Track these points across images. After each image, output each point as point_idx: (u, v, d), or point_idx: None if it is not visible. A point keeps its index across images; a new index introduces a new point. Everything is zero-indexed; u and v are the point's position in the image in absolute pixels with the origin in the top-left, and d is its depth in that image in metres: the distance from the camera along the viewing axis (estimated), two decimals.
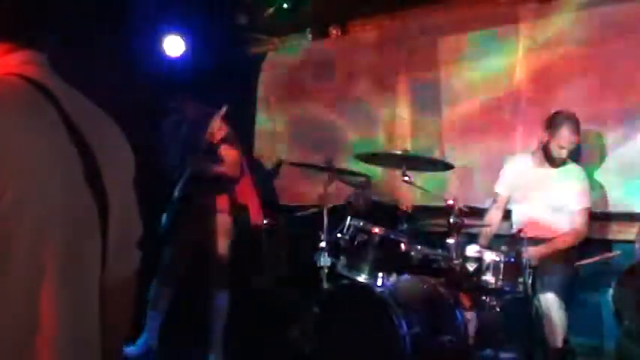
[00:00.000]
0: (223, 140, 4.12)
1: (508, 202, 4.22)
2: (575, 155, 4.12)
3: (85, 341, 1.17)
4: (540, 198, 4.02)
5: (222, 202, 4.16)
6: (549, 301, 3.72)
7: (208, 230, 4.13)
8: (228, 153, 4.13)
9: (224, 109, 4.12)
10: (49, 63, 1.25)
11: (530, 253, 3.68)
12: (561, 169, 4.04)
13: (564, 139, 3.93)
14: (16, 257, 1.06)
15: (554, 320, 3.70)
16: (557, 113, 4.03)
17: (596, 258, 3.94)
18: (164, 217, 4.22)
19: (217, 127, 4.11)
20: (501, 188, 4.23)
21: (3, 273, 1.05)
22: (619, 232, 4.20)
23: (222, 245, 4.14)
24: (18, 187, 1.06)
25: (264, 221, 5.12)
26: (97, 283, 1.21)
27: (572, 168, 4.06)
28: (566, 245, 3.91)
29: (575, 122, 3.95)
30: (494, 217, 4.19)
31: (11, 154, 1.05)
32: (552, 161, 4.01)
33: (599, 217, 4.20)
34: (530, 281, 3.47)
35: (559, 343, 3.69)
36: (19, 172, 1.07)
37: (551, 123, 3.98)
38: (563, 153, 3.95)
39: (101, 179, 1.19)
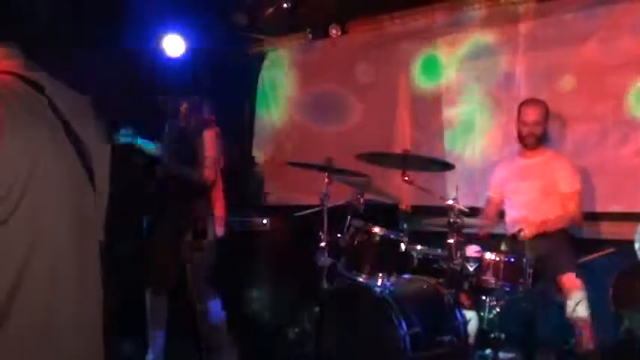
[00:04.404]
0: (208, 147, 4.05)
1: (501, 203, 4.25)
2: (544, 142, 4.19)
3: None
4: (529, 187, 4.10)
5: (200, 209, 4.04)
6: (572, 281, 3.73)
7: (185, 237, 3.99)
8: (210, 158, 4.05)
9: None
10: (24, 54, 1.24)
11: (526, 229, 3.69)
12: (545, 156, 4.14)
13: (526, 116, 4.13)
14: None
15: (577, 304, 3.68)
16: (522, 102, 4.26)
17: (593, 256, 3.95)
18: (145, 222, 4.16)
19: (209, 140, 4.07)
20: (492, 191, 4.33)
21: None
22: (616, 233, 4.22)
23: (201, 254, 4.00)
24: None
25: (265, 221, 5.12)
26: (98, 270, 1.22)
27: (555, 156, 4.17)
28: (561, 224, 3.96)
29: (537, 104, 4.16)
30: (489, 214, 4.26)
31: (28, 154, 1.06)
32: (525, 144, 4.16)
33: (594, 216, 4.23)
34: (530, 278, 3.47)
35: (591, 343, 3.66)
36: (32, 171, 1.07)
37: (518, 110, 4.21)
38: (525, 130, 4.12)
39: (92, 170, 1.19)
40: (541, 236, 3.86)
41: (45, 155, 1.10)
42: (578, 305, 3.69)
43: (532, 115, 4.11)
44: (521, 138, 4.18)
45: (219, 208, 4.19)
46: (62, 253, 1.12)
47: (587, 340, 3.68)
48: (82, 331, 1.17)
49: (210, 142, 4.10)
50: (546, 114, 4.14)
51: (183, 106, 4.16)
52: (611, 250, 3.93)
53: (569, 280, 3.76)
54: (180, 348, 4.25)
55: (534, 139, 4.11)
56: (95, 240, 1.19)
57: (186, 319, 4.13)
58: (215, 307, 4.03)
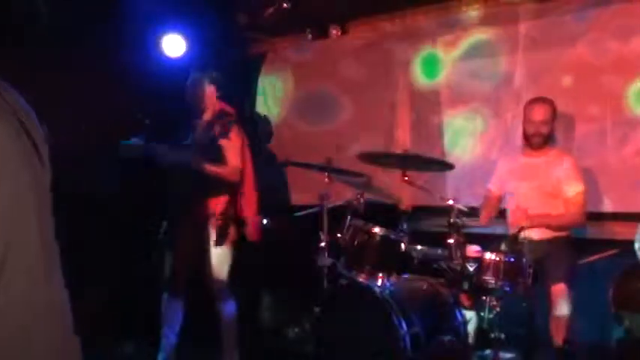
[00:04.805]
0: (232, 144, 4.01)
1: (501, 198, 4.23)
2: (551, 142, 4.14)
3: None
4: (528, 187, 4.04)
5: (220, 206, 3.97)
6: (560, 292, 3.72)
7: (204, 237, 3.94)
8: (233, 158, 4.00)
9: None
10: None
11: (524, 221, 3.68)
12: (549, 155, 4.07)
13: (533, 113, 4.02)
14: None
15: (561, 313, 3.69)
16: (529, 100, 4.16)
17: (596, 256, 3.95)
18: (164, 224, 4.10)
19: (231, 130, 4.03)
20: (492, 184, 4.25)
21: None
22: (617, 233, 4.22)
23: (220, 253, 3.98)
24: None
25: (265, 221, 5.11)
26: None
27: (559, 155, 4.09)
28: (561, 223, 3.92)
29: (545, 102, 4.04)
30: (486, 208, 4.21)
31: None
32: (531, 144, 4.06)
33: (594, 216, 4.22)
34: (530, 278, 3.47)
35: (561, 340, 3.69)
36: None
37: (524, 108, 4.11)
38: (531, 129, 4.01)
39: (47, 168, 1.19)
40: (542, 239, 3.86)
41: (12, 153, 1.08)
42: (560, 314, 3.71)
43: (538, 113, 4.01)
44: (526, 137, 4.08)
45: (249, 209, 4.10)
46: (34, 252, 1.12)
47: (556, 339, 3.71)
48: (55, 320, 1.16)
49: (233, 134, 4.03)
50: (554, 113, 4.03)
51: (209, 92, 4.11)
52: (613, 251, 3.92)
53: (557, 291, 3.74)
54: (192, 348, 4.25)
55: (541, 138, 4.02)
56: (53, 236, 1.19)
57: (197, 320, 4.14)
58: (231, 308, 4.05)
